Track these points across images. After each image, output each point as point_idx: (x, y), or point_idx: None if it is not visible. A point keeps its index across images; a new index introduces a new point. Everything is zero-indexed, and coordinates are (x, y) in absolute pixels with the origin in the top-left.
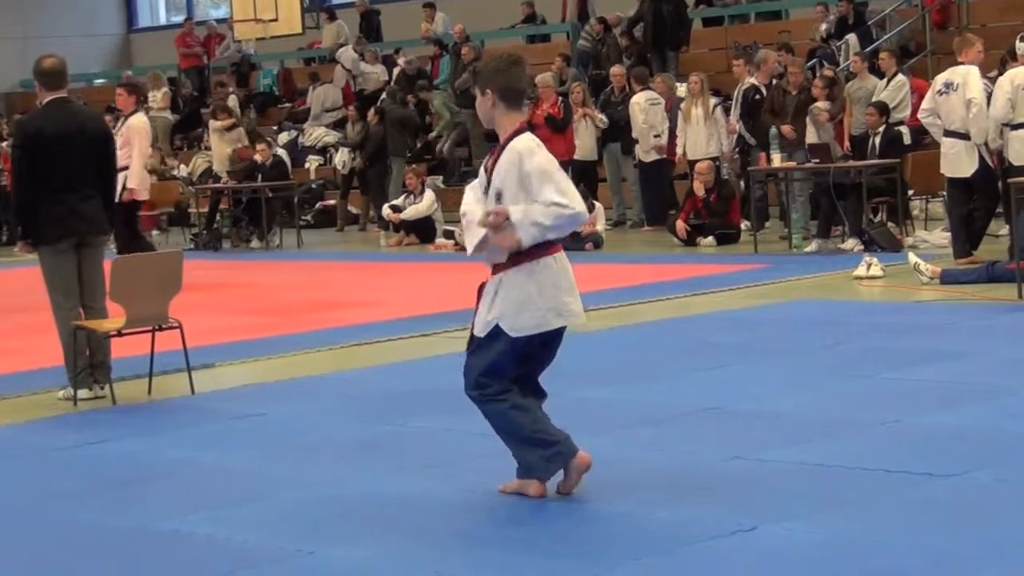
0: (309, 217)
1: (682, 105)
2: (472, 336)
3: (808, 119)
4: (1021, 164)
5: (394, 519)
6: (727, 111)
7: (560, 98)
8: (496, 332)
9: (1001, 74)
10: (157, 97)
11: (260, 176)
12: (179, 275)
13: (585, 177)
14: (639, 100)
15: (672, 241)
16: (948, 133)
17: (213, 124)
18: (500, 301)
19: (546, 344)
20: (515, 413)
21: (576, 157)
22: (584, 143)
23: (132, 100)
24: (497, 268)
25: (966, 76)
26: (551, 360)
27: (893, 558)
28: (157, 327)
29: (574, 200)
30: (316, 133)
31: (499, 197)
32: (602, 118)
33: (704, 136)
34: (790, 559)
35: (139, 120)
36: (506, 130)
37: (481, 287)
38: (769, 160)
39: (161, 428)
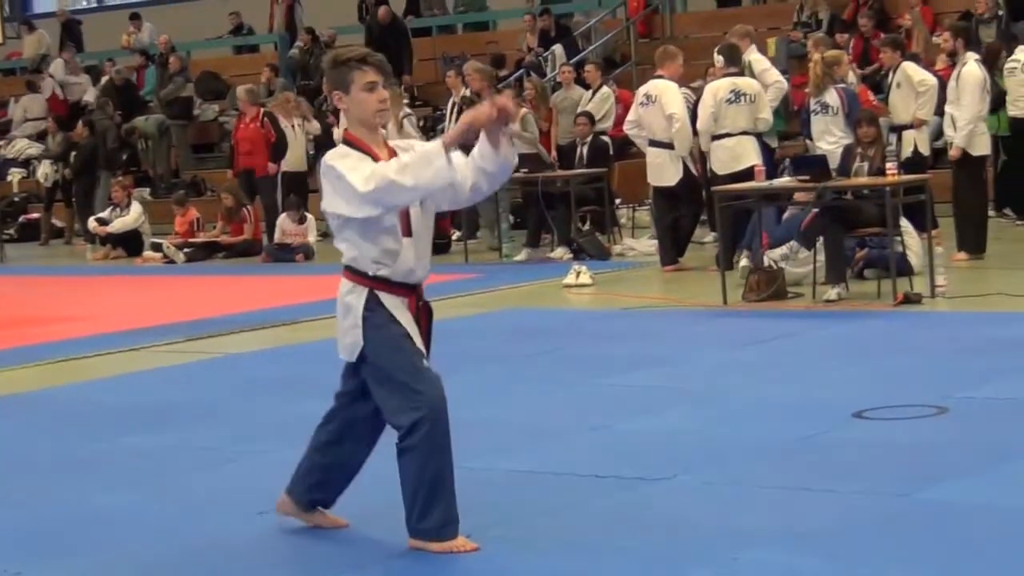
0: (12, 231)
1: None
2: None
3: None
4: (724, 173)
5: (104, 537)
6: (415, 120)
7: (261, 111)
8: None
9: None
10: None
11: None
12: None
13: (296, 188)
14: None
15: None
16: (652, 143)
17: None
18: None
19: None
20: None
21: (286, 169)
22: (294, 154)
23: None
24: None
25: (663, 90)
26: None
27: (604, 562)
28: None
29: None
30: (19, 145)
31: None
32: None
33: None
34: (501, 567)
35: None
36: None
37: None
38: None
39: None
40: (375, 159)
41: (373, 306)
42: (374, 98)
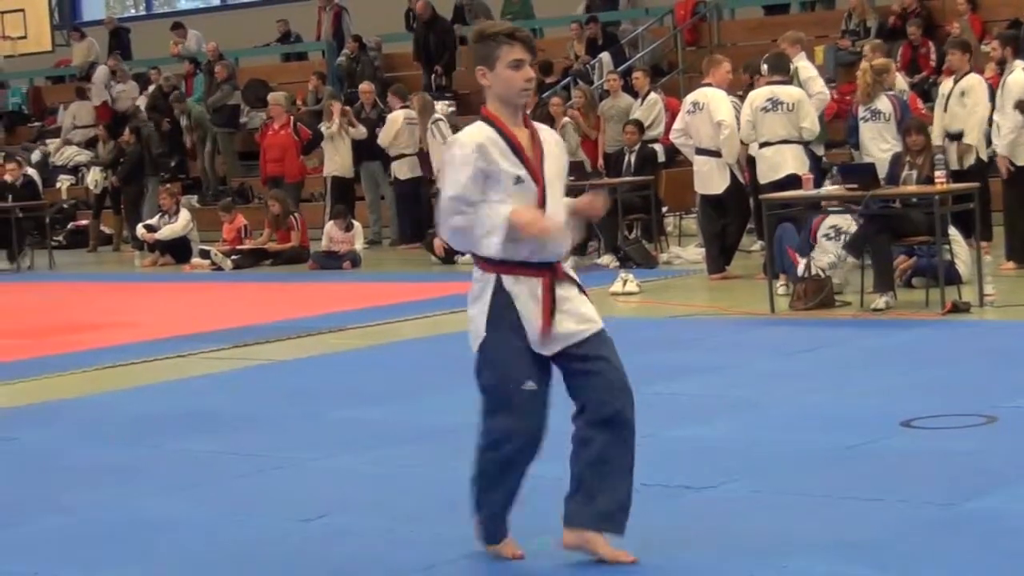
0: (61, 238)
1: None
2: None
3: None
4: (764, 182)
5: (151, 542)
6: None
7: (291, 117)
8: None
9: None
10: None
11: (10, 196)
12: None
13: (343, 195)
14: (397, 117)
15: (430, 259)
16: (699, 151)
17: None
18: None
19: None
20: None
21: (335, 174)
22: (342, 160)
23: None
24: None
25: (712, 98)
26: None
27: (650, 570)
28: None
29: None
30: (68, 152)
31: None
32: (360, 127)
33: None
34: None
35: None
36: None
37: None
38: None
39: None
40: (511, 140)
41: (499, 303)
42: (520, 76)
